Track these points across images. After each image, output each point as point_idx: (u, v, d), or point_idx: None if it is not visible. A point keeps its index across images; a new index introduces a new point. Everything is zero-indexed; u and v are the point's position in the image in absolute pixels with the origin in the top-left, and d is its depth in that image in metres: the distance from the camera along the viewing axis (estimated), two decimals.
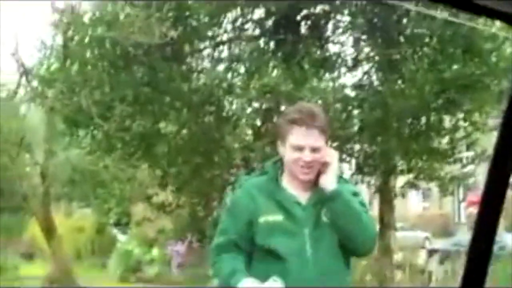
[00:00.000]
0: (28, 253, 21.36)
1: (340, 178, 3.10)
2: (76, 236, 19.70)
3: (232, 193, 3.32)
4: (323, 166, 2.96)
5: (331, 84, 10.98)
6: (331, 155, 3.01)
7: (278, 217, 2.92)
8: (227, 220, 3.06)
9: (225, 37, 11.75)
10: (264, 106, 11.87)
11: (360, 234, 2.98)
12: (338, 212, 2.95)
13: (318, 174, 2.99)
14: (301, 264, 2.89)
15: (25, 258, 20.88)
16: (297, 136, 2.94)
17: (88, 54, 10.26)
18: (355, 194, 3.07)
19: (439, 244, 22.62)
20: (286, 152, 2.97)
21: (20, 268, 19.08)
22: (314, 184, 3.00)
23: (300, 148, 2.93)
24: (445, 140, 11.76)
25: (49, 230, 15.69)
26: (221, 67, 11.41)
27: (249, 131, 12.16)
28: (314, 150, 2.93)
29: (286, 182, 3.03)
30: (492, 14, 1.08)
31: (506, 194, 1.42)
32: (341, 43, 11.95)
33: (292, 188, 3.01)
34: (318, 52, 11.33)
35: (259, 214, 2.93)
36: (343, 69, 11.77)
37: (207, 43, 11.67)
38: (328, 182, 2.97)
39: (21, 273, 18.91)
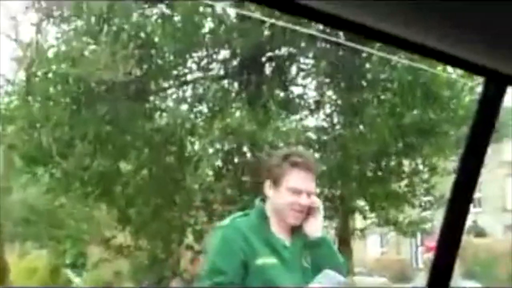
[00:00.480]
0: None
1: None
2: (30, 278, 19.17)
3: (219, 231, 3.06)
4: (309, 211, 3.01)
5: (294, 125, 11.05)
6: (318, 201, 3.05)
7: (273, 260, 2.94)
8: (222, 259, 2.95)
9: (189, 77, 11.76)
10: (226, 147, 11.87)
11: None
12: (323, 257, 3.02)
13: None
14: None
15: None
16: (297, 180, 2.96)
17: (51, 90, 10.14)
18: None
19: None
20: (280, 195, 2.97)
21: None
22: (292, 229, 3.03)
23: (298, 192, 2.95)
24: (404, 183, 11.87)
25: (1, 272, 15.25)
26: (184, 107, 11.38)
27: (210, 172, 12.11)
28: (309, 195, 2.98)
29: (272, 224, 3.04)
30: (450, 61, 1.09)
31: (461, 239, 1.43)
32: (304, 85, 12.07)
33: (278, 231, 3.03)
34: (282, 94, 11.42)
35: (255, 256, 2.91)
36: (305, 112, 11.85)
37: (171, 82, 11.65)
38: (316, 228, 3.03)
39: None
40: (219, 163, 12.13)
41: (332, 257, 3.06)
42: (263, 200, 3.09)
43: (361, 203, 12.33)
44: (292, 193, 2.94)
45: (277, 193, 2.98)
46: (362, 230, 13.26)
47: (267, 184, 3.01)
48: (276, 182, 2.98)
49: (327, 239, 3.11)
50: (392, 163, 11.77)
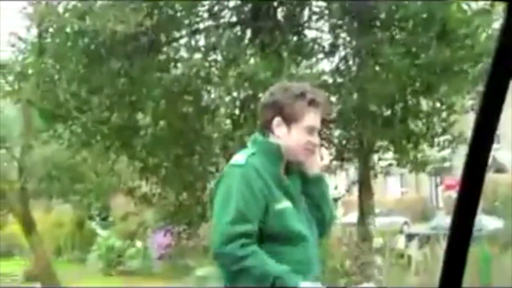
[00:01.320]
0: (6, 250, 21.20)
1: None
2: (56, 232, 19.58)
3: (236, 171, 2.82)
4: None
5: (308, 71, 10.99)
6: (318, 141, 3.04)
7: (288, 204, 2.86)
8: (247, 205, 2.78)
9: (201, 25, 11.70)
10: (242, 95, 11.87)
11: (330, 218, 3.09)
12: (319, 196, 3.02)
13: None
14: (306, 248, 2.88)
15: (4, 255, 20.73)
16: (314, 118, 2.91)
17: (63, 46, 10.15)
18: None
19: (418, 228, 22.87)
20: (294, 133, 2.88)
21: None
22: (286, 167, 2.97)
23: (312, 130, 2.91)
24: (422, 123, 11.84)
25: (28, 226, 15.55)
26: (198, 56, 11.34)
27: (228, 121, 12.14)
28: (319, 133, 2.98)
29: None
30: None
31: (485, 176, 1.44)
32: (318, 29, 11.97)
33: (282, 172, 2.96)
34: (295, 39, 11.34)
35: (273, 200, 2.82)
36: (320, 55, 11.79)
37: (183, 31, 11.60)
38: (315, 166, 3.02)
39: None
40: (236, 111, 12.14)
41: (328, 195, 3.07)
42: (262, 135, 2.96)
43: (380, 143, 12.33)
44: (308, 132, 2.89)
45: (290, 132, 2.89)
46: (381, 171, 13.29)
47: (276, 121, 2.90)
48: (289, 120, 2.89)
49: (324, 177, 3.09)
50: (410, 102, 11.71)
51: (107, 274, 17.91)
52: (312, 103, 2.90)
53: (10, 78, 10.79)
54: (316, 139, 2.93)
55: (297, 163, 2.97)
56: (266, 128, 2.95)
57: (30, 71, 10.54)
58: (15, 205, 14.43)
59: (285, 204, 2.84)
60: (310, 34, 11.86)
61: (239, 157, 2.91)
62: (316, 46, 11.73)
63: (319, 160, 3.06)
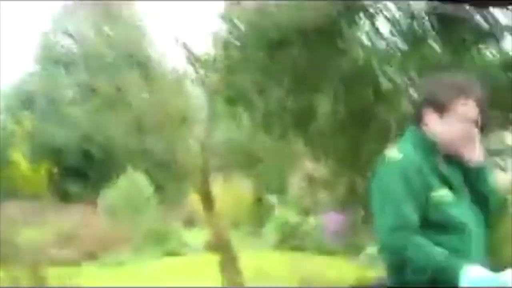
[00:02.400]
0: (189, 220, 22.43)
1: None
2: (235, 206, 20.37)
3: (394, 166, 2.85)
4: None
5: (489, 52, 10.52)
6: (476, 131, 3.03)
7: (447, 192, 2.90)
8: (407, 200, 2.81)
9: (385, 12, 11.50)
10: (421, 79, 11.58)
11: (495, 210, 3.12)
12: (482, 187, 3.02)
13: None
14: (466, 238, 2.88)
15: (187, 226, 21.97)
16: (467, 108, 2.93)
17: (247, 37, 10.52)
18: None
19: None
20: (449, 123, 2.92)
21: (183, 235, 20.14)
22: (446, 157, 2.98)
23: (466, 121, 2.95)
24: None
25: (207, 200, 16.32)
26: (380, 43, 11.22)
27: (407, 104, 11.90)
28: (476, 124, 2.99)
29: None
30: None
31: None
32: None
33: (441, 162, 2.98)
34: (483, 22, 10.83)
35: (430, 189, 2.87)
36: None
37: (365, 18, 11.49)
38: (477, 155, 3.04)
39: (184, 240, 19.96)
40: (415, 94, 11.88)
41: (491, 186, 3.06)
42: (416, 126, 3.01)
43: None
44: (462, 122, 2.94)
45: (442, 122, 2.94)
46: None
47: (429, 111, 2.96)
48: (441, 110, 2.94)
49: (488, 166, 3.09)
50: None
51: (279, 248, 18.42)
52: (464, 93, 2.93)
53: (201, 71, 11.51)
54: (472, 130, 2.95)
55: (456, 154, 2.99)
56: (420, 120, 3.02)
57: (218, 65, 11.11)
58: (196, 181, 15.19)
59: (442, 192, 2.89)
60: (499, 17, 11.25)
61: (394, 151, 2.95)
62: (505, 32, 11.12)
63: (479, 149, 3.05)
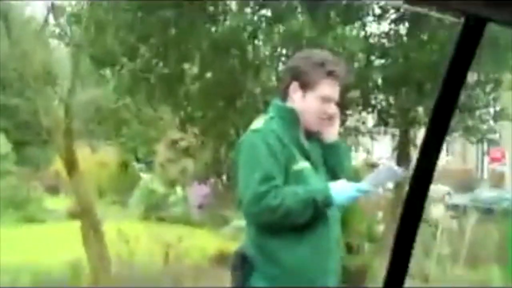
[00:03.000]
0: (52, 186, 21.80)
1: None
2: (100, 173, 20.00)
3: (257, 135, 2.89)
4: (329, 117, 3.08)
5: (354, 33, 10.91)
6: (335, 109, 3.09)
7: (307, 164, 2.93)
8: (271, 164, 2.86)
9: None
10: (287, 52, 11.86)
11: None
12: (335, 163, 3.08)
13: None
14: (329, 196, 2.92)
15: (50, 192, 21.34)
16: (331, 88, 2.97)
17: None
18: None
19: (459, 199, 22.65)
20: (309, 100, 2.96)
21: (45, 201, 19.55)
22: (307, 133, 3.05)
23: (328, 100, 2.98)
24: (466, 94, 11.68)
25: (71, 166, 15.91)
26: (248, 10, 11.37)
27: (273, 77, 12.16)
28: (335, 103, 3.04)
29: None
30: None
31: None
32: None
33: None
34: (345, 1, 11.24)
35: (292, 161, 2.90)
36: (369, 18, 11.67)
37: None
38: (333, 133, 3.10)
39: (45, 206, 19.39)
40: (280, 67, 12.15)
41: (345, 164, 3.12)
42: (281, 100, 3.02)
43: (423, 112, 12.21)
44: (323, 102, 2.97)
45: (304, 98, 2.98)
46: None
47: (293, 86, 2.98)
48: (305, 87, 2.97)
49: (343, 144, 3.20)
50: None
51: (145, 218, 18.30)
52: (330, 73, 2.96)
53: (62, 20, 11.05)
54: (332, 109, 3.00)
55: (316, 131, 3.05)
56: (285, 93, 3.03)
57: (81, 16, 10.77)
58: (60, 144, 14.71)
59: (303, 164, 2.92)
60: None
61: (257, 123, 3.00)
62: (366, 8, 11.60)
63: (336, 127, 3.13)
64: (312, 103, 2.97)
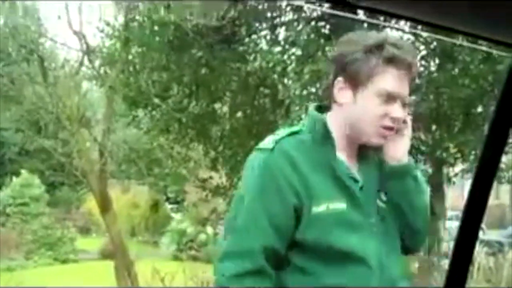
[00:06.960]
0: (85, 227, 21.99)
1: None
2: (132, 212, 20.12)
3: (258, 158, 1.95)
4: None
5: None
6: (407, 119, 2.05)
7: (341, 205, 1.93)
8: (262, 207, 1.90)
9: (283, 19, 11.80)
10: (317, 90, 11.94)
11: (424, 225, 2.12)
12: (401, 195, 2.04)
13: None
14: (361, 273, 1.94)
15: (82, 232, 21.51)
16: (393, 80, 1.94)
17: (148, 35, 10.52)
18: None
19: (493, 235, 22.31)
20: (363, 101, 1.96)
21: (77, 241, 19.70)
22: (360, 151, 2.06)
23: (391, 99, 1.95)
24: None
25: (104, 205, 16.08)
26: (277, 49, 11.49)
27: (303, 115, 12.22)
28: (404, 105, 1.99)
29: (336, 146, 2.01)
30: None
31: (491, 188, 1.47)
32: (399, 29, 11.89)
33: (343, 155, 2.02)
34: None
35: (312, 198, 1.90)
36: None
37: (264, 25, 11.76)
38: (402, 151, 2.04)
39: (77, 246, 19.53)
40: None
41: (421, 196, 2.08)
42: (322, 108, 2.05)
43: (455, 148, 12.17)
44: (384, 100, 1.94)
45: (355, 99, 1.97)
46: (457, 174, 13.11)
47: (339, 86, 1.98)
48: (356, 82, 1.96)
49: (414, 168, 2.08)
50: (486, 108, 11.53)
51: (177, 258, 18.33)
52: (391, 60, 1.94)
53: (97, 63, 11.30)
54: (398, 112, 1.96)
55: (373, 147, 2.03)
56: (328, 96, 2.03)
57: (115, 58, 10.98)
58: (94, 185, 14.97)
59: (336, 205, 1.92)
60: (390, 33, 11.79)
61: (270, 138, 2.00)
62: None
63: (407, 144, 2.06)
64: (368, 104, 1.96)
